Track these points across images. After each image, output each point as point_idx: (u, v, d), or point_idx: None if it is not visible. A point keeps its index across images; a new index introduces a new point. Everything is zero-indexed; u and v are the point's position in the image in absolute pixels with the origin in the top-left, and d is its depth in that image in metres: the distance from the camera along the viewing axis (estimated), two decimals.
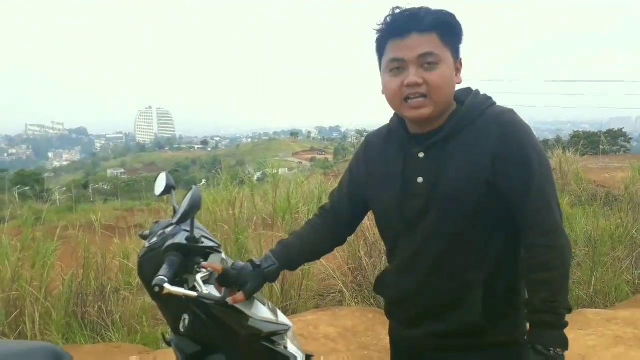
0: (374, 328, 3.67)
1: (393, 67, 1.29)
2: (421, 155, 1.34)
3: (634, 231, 5.15)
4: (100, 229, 4.58)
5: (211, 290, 1.32)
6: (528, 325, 1.29)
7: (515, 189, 1.26)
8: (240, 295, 1.41)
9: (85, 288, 4.12)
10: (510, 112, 1.31)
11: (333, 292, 4.66)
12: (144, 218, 6.26)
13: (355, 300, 4.38)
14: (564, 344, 1.23)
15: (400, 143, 1.41)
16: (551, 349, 1.21)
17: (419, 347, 1.44)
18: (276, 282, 4.16)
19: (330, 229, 1.60)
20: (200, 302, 1.35)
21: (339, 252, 4.82)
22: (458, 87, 1.36)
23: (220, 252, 1.50)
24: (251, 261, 1.50)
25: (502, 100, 1.40)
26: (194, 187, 1.43)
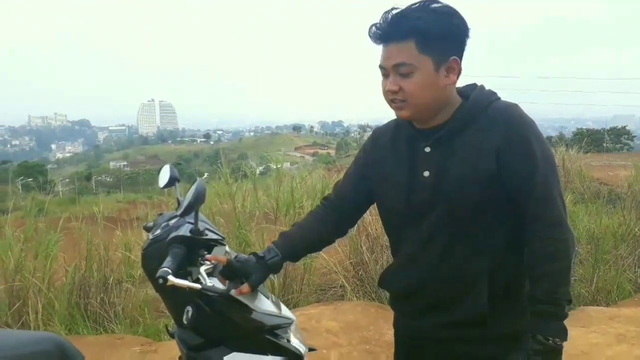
0: (376, 322, 3.67)
1: (381, 72, 1.35)
2: (427, 149, 1.37)
3: (636, 229, 5.14)
4: (102, 221, 4.59)
5: (215, 283, 1.32)
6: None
7: (519, 181, 1.28)
8: (245, 287, 1.41)
9: (88, 279, 4.13)
10: (514, 107, 1.33)
11: (334, 287, 4.66)
12: (146, 210, 6.28)
13: (357, 295, 4.38)
14: (563, 334, 1.25)
15: (407, 137, 1.43)
16: (550, 338, 1.24)
17: (423, 338, 1.46)
18: (278, 275, 4.18)
19: (332, 220, 1.60)
20: (203, 295, 1.35)
21: (340, 247, 4.82)
22: (460, 83, 1.38)
23: (224, 245, 1.50)
24: (254, 254, 1.50)
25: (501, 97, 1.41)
26: (198, 179, 1.43)
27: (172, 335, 1.50)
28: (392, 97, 1.33)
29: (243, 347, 1.41)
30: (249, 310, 1.41)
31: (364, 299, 4.32)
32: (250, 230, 4.51)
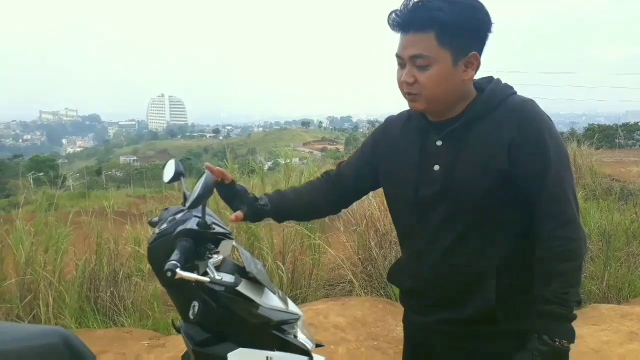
0: (384, 318, 3.66)
1: (397, 61, 1.33)
2: (439, 143, 1.35)
3: None
4: (112, 215, 4.62)
5: (223, 277, 1.31)
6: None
7: (531, 178, 1.26)
8: (240, 213, 1.47)
9: (98, 273, 4.17)
10: (530, 102, 1.31)
11: (343, 282, 4.66)
12: (155, 205, 6.31)
13: (365, 290, 4.38)
14: (570, 336, 1.23)
15: (418, 129, 1.41)
16: (557, 340, 1.21)
17: (432, 334, 1.45)
18: (284, 270, 4.19)
19: (328, 193, 1.61)
20: (209, 289, 1.35)
21: (349, 242, 4.82)
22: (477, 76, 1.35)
23: (232, 239, 1.49)
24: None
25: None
26: (206, 172, 1.42)
27: (178, 330, 1.49)
28: (407, 90, 1.31)
29: (249, 343, 1.40)
30: (255, 305, 1.41)
31: (371, 295, 4.31)
32: (258, 225, 4.51)
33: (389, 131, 1.52)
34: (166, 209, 1.65)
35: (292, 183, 4.94)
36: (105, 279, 4.15)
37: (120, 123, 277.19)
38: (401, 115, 1.52)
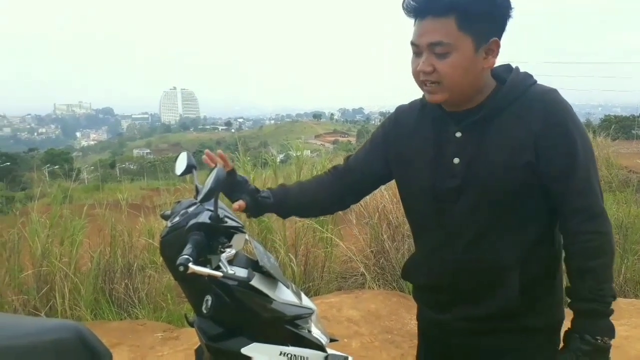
0: (398, 312, 3.64)
1: (413, 49, 1.26)
2: (458, 134, 1.29)
3: None
4: (126, 208, 4.66)
5: (236, 271, 1.30)
6: (572, 313, 1.25)
7: (558, 171, 1.21)
8: (242, 202, 1.44)
9: (113, 265, 4.21)
10: (553, 92, 1.25)
11: (355, 275, 4.65)
12: (169, 198, 6.35)
13: (377, 283, 4.36)
14: (611, 332, 1.19)
15: (435, 120, 1.35)
16: (599, 338, 1.18)
17: (450, 332, 1.40)
18: (297, 262, 4.20)
19: (335, 189, 1.55)
20: (223, 284, 1.33)
21: (361, 235, 4.80)
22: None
23: (244, 233, 1.47)
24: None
25: None
26: (218, 165, 1.40)
27: (191, 325, 1.48)
28: (424, 79, 1.24)
29: (263, 338, 1.39)
30: (269, 300, 1.39)
31: (384, 288, 4.30)
32: (271, 217, 4.51)
33: (400, 121, 1.45)
34: (178, 202, 1.64)
35: (304, 176, 4.93)
36: (119, 271, 4.20)
37: (133, 116, 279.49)
38: (413, 104, 1.46)
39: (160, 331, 3.54)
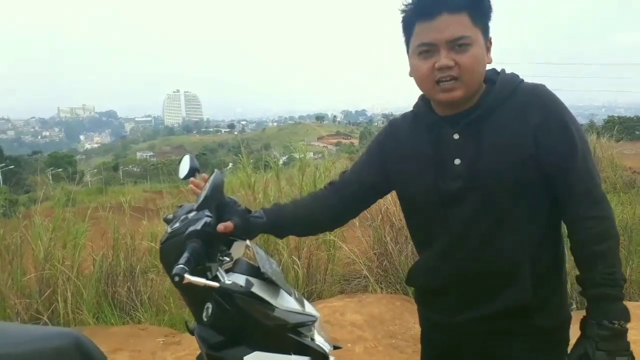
0: (402, 316, 3.62)
1: (422, 51, 1.25)
2: (456, 136, 1.29)
3: None
4: (129, 211, 4.65)
5: (234, 280, 1.27)
6: (586, 301, 1.22)
7: (559, 161, 1.23)
8: (229, 223, 1.35)
9: (115, 269, 4.20)
10: (543, 87, 1.29)
11: (358, 277, 4.63)
12: (172, 200, 6.36)
13: (381, 285, 4.34)
14: (627, 315, 1.18)
15: (429, 126, 1.35)
16: (616, 322, 1.16)
17: (460, 335, 1.38)
18: (300, 265, 4.19)
19: (332, 203, 1.51)
20: (223, 291, 1.32)
21: (364, 237, 4.78)
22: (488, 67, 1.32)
23: (244, 240, 1.45)
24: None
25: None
26: (216, 170, 1.38)
27: (192, 332, 1.46)
28: (443, 75, 1.23)
29: (265, 346, 1.36)
30: (271, 307, 1.36)
31: (387, 290, 4.27)
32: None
33: (395, 133, 1.45)
34: (180, 206, 1.62)
35: (307, 178, 4.92)
36: (122, 274, 4.19)
37: (136, 119, 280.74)
38: (405, 116, 1.46)
39: (162, 336, 3.52)
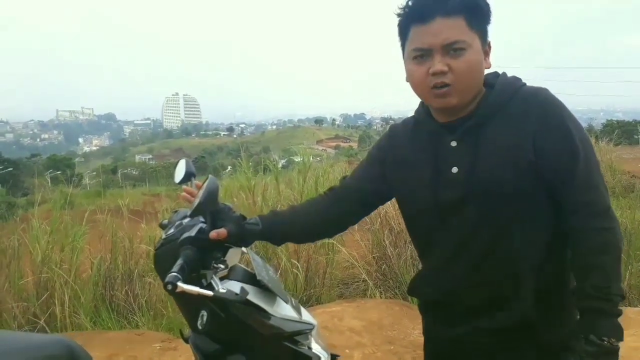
0: (401, 322, 3.59)
1: (417, 55, 1.22)
2: (454, 144, 1.26)
3: None
4: (127, 214, 4.64)
5: (229, 288, 1.25)
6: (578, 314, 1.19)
7: (560, 169, 1.18)
8: (223, 230, 1.32)
9: (113, 272, 4.19)
10: (544, 90, 1.23)
11: (357, 281, 4.62)
12: (170, 204, 6.33)
13: (379, 289, 4.33)
14: (619, 333, 1.13)
15: (429, 133, 1.33)
16: (605, 339, 1.12)
17: (463, 347, 1.35)
18: (299, 268, 4.17)
19: (332, 209, 1.49)
20: (218, 298, 1.30)
21: (363, 241, 4.77)
22: (486, 71, 1.28)
23: (240, 247, 1.43)
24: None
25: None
26: (210, 176, 1.35)
27: (186, 341, 1.43)
28: (437, 81, 1.20)
29: (261, 355, 1.34)
30: (267, 315, 1.34)
31: (386, 294, 4.26)
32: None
33: (395, 139, 1.43)
34: (176, 211, 1.60)
35: (309, 182, 4.91)
36: (120, 278, 4.18)
37: (135, 122, 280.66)
38: (406, 122, 1.44)
39: (159, 341, 3.49)
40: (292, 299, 1.49)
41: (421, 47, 1.20)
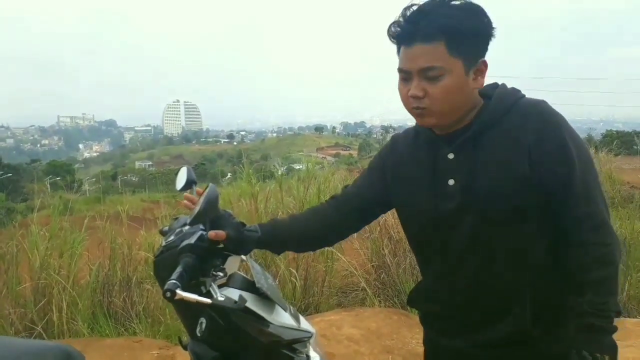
0: (399, 331, 3.57)
1: (401, 76, 1.25)
2: (451, 156, 1.27)
3: None
4: (127, 220, 4.63)
5: (228, 295, 1.25)
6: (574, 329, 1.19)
7: (556, 183, 1.18)
8: (221, 232, 1.33)
9: (111, 279, 4.17)
10: (543, 103, 1.23)
11: (356, 290, 4.61)
12: (169, 210, 6.33)
13: (378, 298, 4.32)
14: (612, 350, 1.14)
15: (428, 144, 1.34)
16: (598, 355, 1.13)
17: (461, 359, 1.35)
18: (298, 277, 4.16)
19: (333, 217, 1.49)
20: (216, 306, 1.30)
21: (362, 250, 4.76)
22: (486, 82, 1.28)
23: (239, 255, 1.44)
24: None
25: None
26: (210, 184, 1.36)
27: (185, 348, 1.43)
28: (416, 104, 1.22)
29: None
30: (265, 323, 1.34)
31: (385, 303, 4.24)
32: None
33: (396, 149, 1.44)
34: (176, 218, 1.61)
35: (309, 190, 4.91)
36: (118, 284, 4.16)
37: (136, 128, 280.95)
38: (407, 132, 1.45)
39: (156, 349, 3.47)
40: (291, 307, 1.49)
41: (403, 68, 1.23)
